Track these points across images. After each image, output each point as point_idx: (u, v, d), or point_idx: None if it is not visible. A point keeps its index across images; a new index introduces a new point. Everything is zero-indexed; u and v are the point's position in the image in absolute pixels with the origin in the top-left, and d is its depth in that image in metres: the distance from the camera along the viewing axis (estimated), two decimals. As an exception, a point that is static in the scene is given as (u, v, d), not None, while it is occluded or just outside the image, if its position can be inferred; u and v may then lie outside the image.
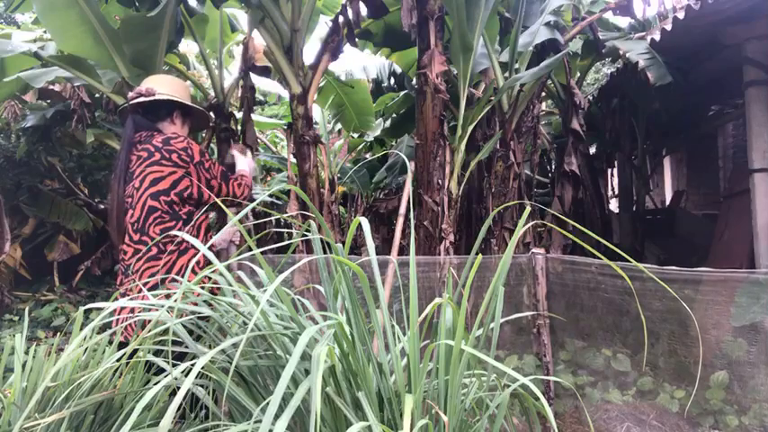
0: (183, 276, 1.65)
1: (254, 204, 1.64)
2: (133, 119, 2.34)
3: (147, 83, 2.46)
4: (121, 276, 2.25)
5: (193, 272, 2.06)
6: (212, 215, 2.61)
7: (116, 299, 1.71)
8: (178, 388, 1.05)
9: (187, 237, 1.53)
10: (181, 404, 1.02)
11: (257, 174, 7.45)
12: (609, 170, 8.73)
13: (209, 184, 2.33)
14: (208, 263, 1.50)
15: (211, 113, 4.29)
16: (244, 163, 2.67)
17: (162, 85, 2.43)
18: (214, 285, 1.75)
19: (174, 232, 1.76)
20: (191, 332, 1.57)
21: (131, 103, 2.37)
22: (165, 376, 1.30)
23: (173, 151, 2.23)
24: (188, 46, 7.94)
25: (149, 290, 2.06)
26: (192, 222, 2.28)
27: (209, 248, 2.45)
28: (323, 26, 5.32)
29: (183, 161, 2.24)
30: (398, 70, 6.85)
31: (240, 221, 1.45)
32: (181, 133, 2.44)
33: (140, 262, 2.17)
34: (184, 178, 2.23)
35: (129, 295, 2.07)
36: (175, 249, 2.20)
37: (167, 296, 1.86)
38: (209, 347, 1.54)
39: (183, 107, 2.49)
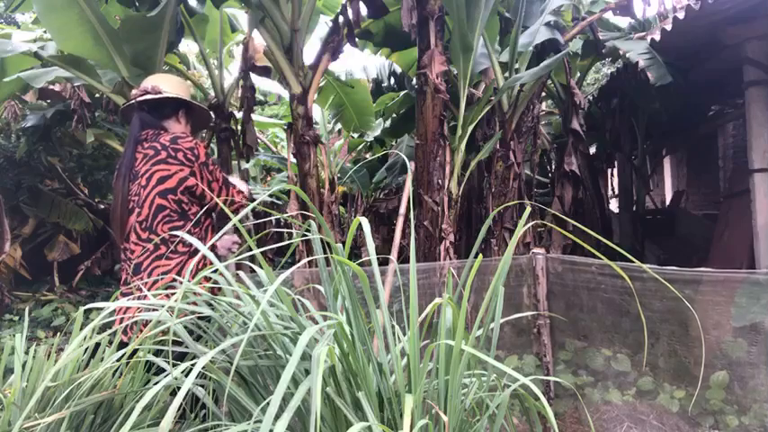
0: (193, 278, 1.65)
1: (254, 204, 1.64)
2: (140, 116, 2.34)
3: (151, 81, 2.46)
4: (126, 275, 2.25)
5: (205, 277, 2.06)
6: (213, 216, 2.63)
7: (116, 299, 1.71)
8: (178, 388, 1.05)
9: (189, 238, 1.53)
10: (181, 404, 1.02)
11: (252, 173, 7.45)
12: (609, 170, 8.74)
13: (210, 186, 2.33)
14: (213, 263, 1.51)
15: (211, 113, 4.30)
16: (241, 183, 2.66)
17: (166, 84, 2.44)
18: (215, 285, 1.74)
19: (180, 233, 1.76)
20: (191, 332, 1.57)
21: (138, 100, 2.36)
22: (166, 376, 1.30)
23: (179, 150, 2.22)
24: (188, 46, 7.93)
25: (160, 289, 2.06)
26: (200, 224, 2.28)
27: (214, 250, 2.46)
28: (323, 26, 5.32)
29: (189, 160, 2.23)
30: (398, 70, 6.85)
31: (240, 221, 1.44)
32: (186, 132, 2.44)
33: (148, 260, 2.17)
34: (190, 177, 2.23)
35: (137, 294, 2.07)
36: (186, 251, 2.20)
37: (168, 296, 1.86)
38: (210, 347, 1.54)
39: (188, 106, 2.49)
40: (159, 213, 2.19)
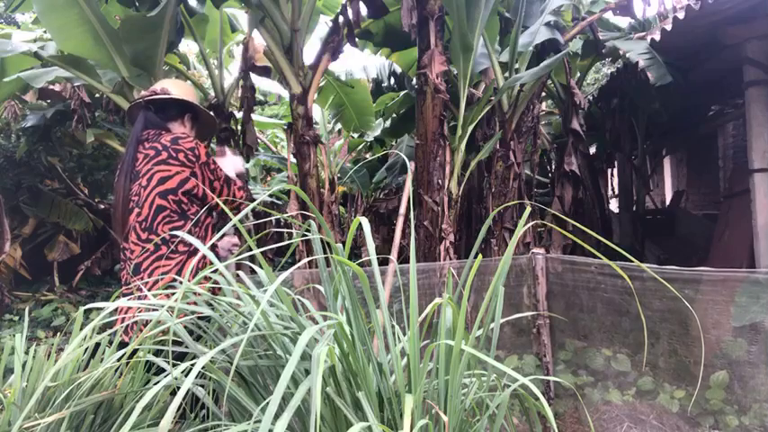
0: (193, 278, 1.66)
1: (254, 205, 1.64)
2: (145, 115, 2.35)
3: (161, 83, 2.49)
4: (126, 276, 2.25)
5: (205, 277, 2.05)
6: (214, 214, 2.63)
7: (117, 298, 1.71)
8: (178, 388, 1.05)
9: (189, 237, 1.53)
10: (181, 404, 1.02)
11: (252, 173, 7.45)
12: (609, 170, 8.74)
13: (212, 185, 2.33)
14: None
15: (212, 113, 4.30)
16: (228, 166, 2.64)
17: (175, 88, 2.46)
18: (215, 285, 1.75)
19: (180, 233, 1.76)
20: (191, 332, 1.57)
21: (145, 99, 2.37)
22: (166, 376, 1.30)
23: (180, 150, 2.23)
24: (188, 46, 7.95)
25: (161, 289, 2.06)
26: (200, 224, 2.28)
27: (214, 249, 2.46)
28: (323, 26, 5.33)
29: (190, 161, 2.24)
30: (398, 70, 6.85)
31: (240, 222, 1.44)
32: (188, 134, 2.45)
33: (148, 261, 2.17)
34: (191, 178, 2.23)
35: (137, 294, 2.07)
36: (186, 251, 2.20)
37: (168, 296, 1.86)
38: (210, 347, 1.54)
39: (195, 111, 2.50)
40: (159, 214, 2.19)
